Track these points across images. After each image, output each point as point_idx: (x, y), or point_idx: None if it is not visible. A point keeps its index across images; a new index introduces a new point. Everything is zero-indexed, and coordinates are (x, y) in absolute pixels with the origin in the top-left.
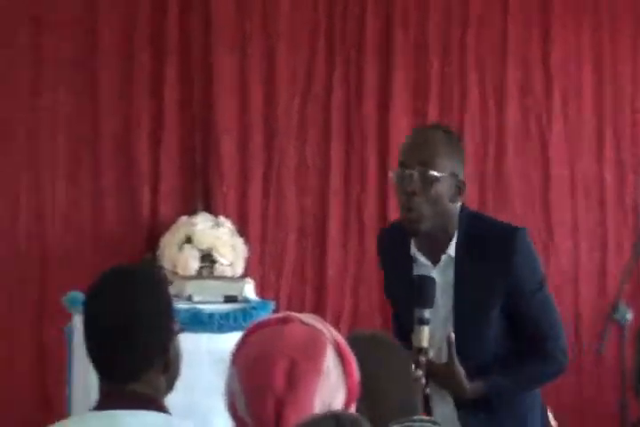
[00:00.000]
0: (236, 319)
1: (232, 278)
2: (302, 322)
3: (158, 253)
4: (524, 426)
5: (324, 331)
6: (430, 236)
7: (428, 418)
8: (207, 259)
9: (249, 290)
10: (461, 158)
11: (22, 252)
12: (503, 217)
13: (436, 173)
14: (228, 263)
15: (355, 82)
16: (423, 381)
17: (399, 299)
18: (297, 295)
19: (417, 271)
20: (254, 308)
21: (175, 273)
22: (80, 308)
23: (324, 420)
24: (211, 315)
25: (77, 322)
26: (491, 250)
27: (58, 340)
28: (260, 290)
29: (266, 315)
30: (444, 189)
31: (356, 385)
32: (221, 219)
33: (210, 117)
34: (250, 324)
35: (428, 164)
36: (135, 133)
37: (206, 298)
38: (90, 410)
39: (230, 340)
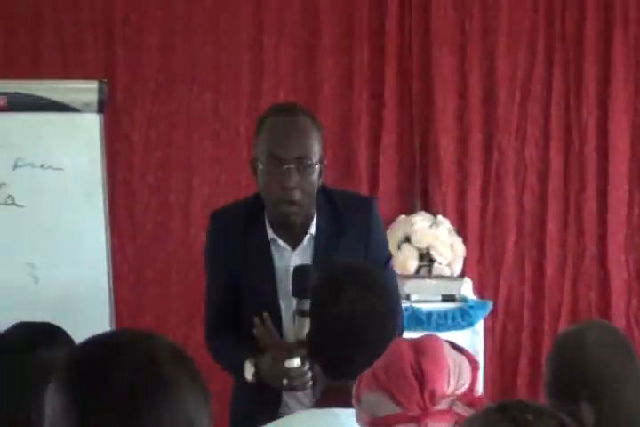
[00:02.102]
0: (453, 318)
1: (450, 278)
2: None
3: None
4: None
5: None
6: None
7: None
8: (425, 258)
9: (467, 289)
10: (322, 140)
11: None
12: None
13: (315, 167)
14: (447, 263)
15: (574, 81)
16: (309, 375)
17: (253, 286)
18: (515, 295)
19: (277, 256)
20: (472, 307)
21: None
22: None
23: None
24: (429, 314)
25: None
26: (348, 220)
27: None
28: (479, 289)
29: (484, 314)
30: (316, 177)
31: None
32: (440, 218)
33: (429, 116)
34: (467, 323)
35: (305, 157)
36: (354, 132)
37: (424, 297)
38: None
39: (448, 339)
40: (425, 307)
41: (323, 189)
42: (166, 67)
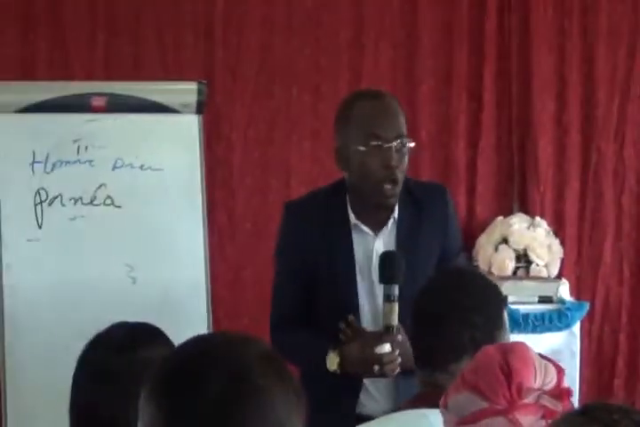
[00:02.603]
0: (551, 320)
1: (547, 279)
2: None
3: (474, 252)
4: None
5: None
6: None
7: None
8: (523, 259)
9: (564, 291)
10: None
11: None
12: None
13: (410, 144)
14: (544, 264)
15: None
16: (399, 359)
17: (334, 272)
18: (613, 296)
19: (358, 241)
20: (569, 309)
21: (491, 273)
22: None
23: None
24: (525, 315)
25: None
26: (426, 207)
27: None
28: (576, 291)
29: (581, 316)
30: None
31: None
32: (537, 219)
33: (527, 118)
34: (564, 325)
35: (403, 136)
36: (453, 133)
37: (521, 298)
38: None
39: (545, 341)
40: (522, 308)
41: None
42: (265, 67)
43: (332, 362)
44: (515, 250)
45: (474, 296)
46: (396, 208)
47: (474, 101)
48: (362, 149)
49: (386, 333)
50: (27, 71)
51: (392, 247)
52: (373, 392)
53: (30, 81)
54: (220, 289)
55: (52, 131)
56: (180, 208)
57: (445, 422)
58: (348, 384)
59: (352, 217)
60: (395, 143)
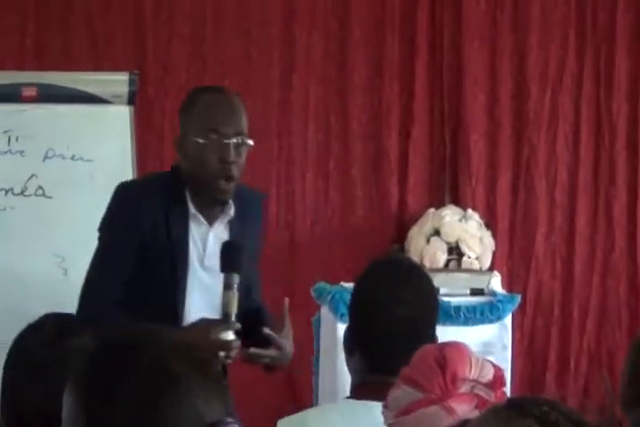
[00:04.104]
0: (482, 312)
1: (479, 271)
2: None
3: (406, 244)
4: None
5: None
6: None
7: None
8: (455, 251)
9: (496, 283)
10: None
11: (272, 242)
12: None
13: (249, 142)
14: (476, 256)
15: (605, 75)
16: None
17: (167, 261)
18: (545, 289)
19: (195, 231)
20: (501, 301)
21: (422, 265)
22: (327, 298)
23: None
24: (457, 308)
25: (325, 313)
26: (249, 208)
27: (305, 330)
28: (508, 284)
29: (513, 308)
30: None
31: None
32: (469, 212)
33: (459, 110)
34: (496, 317)
35: (243, 133)
36: (385, 126)
37: (453, 291)
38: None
39: (476, 333)
40: (453, 301)
41: None
42: (196, 58)
43: None
44: (447, 242)
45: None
46: (232, 204)
47: (405, 93)
48: (200, 141)
49: (225, 320)
50: None
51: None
52: None
53: None
54: None
55: None
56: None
57: (385, 419)
58: None
59: (191, 206)
60: (234, 140)
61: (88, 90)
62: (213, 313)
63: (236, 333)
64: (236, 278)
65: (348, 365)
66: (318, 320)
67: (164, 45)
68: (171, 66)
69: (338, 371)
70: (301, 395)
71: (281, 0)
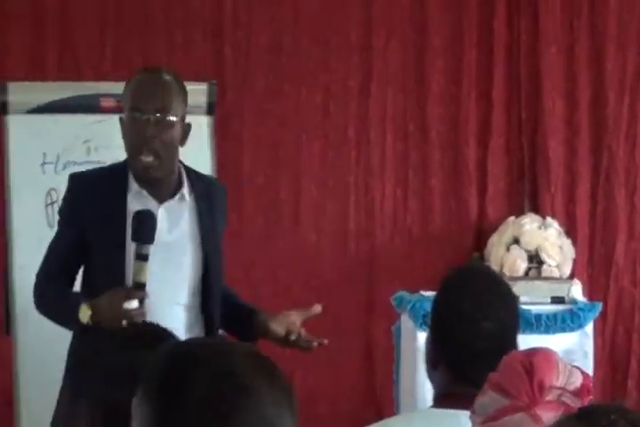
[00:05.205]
0: (563, 320)
1: (559, 279)
2: None
3: (486, 253)
4: None
5: None
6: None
7: None
8: (534, 260)
9: (576, 291)
10: (186, 101)
11: (352, 251)
12: None
13: (174, 121)
14: (556, 264)
15: None
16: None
17: (105, 238)
18: (626, 296)
19: (136, 205)
20: (582, 309)
21: (502, 274)
22: (407, 307)
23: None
24: (538, 316)
25: (405, 322)
26: (216, 194)
27: (386, 339)
28: (588, 291)
29: (594, 316)
30: (177, 133)
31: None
32: (549, 220)
33: (537, 117)
34: (577, 325)
35: (164, 110)
36: (463, 135)
37: (533, 299)
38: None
39: (557, 341)
40: (534, 309)
41: (187, 167)
42: (275, 67)
43: (85, 314)
44: (526, 250)
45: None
46: (185, 186)
47: (483, 101)
48: (124, 119)
49: (135, 289)
50: (37, 72)
51: (189, 221)
52: None
53: (40, 82)
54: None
55: (62, 131)
56: None
57: (473, 424)
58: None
59: (135, 186)
60: (152, 116)
61: None
62: (179, 286)
63: (141, 301)
64: (147, 249)
65: (430, 378)
66: (398, 329)
67: (243, 55)
68: (249, 75)
69: (418, 379)
70: (382, 403)
71: (359, 9)
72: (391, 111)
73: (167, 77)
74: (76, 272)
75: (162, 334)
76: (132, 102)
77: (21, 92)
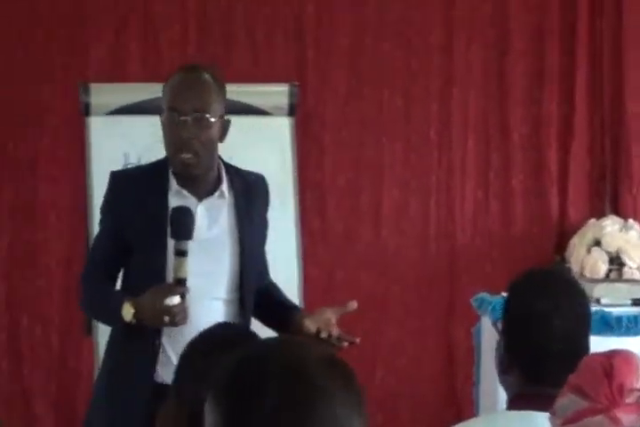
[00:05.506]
0: None
1: None
2: None
3: (567, 255)
4: None
5: None
6: (199, 174)
7: None
8: (615, 261)
9: None
10: (225, 99)
11: (433, 253)
12: None
13: (212, 120)
14: (636, 266)
15: None
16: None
17: (146, 235)
18: None
19: (175, 202)
20: None
21: (583, 276)
22: (488, 309)
23: None
24: (619, 318)
25: (485, 323)
26: (256, 192)
27: (466, 341)
28: None
29: None
30: (215, 131)
31: None
32: (630, 222)
33: (620, 119)
34: None
35: (202, 110)
36: (544, 136)
37: (614, 301)
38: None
39: (637, 343)
40: (615, 311)
41: (226, 163)
42: (356, 69)
43: (128, 312)
44: (607, 252)
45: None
46: (224, 183)
47: (565, 103)
48: (163, 120)
49: (176, 285)
50: (119, 73)
51: (228, 217)
52: (172, 357)
53: (122, 83)
54: (313, 292)
55: (144, 133)
56: (272, 211)
57: (552, 426)
58: (146, 349)
59: (174, 183)
60: (190, 117)
61: (248, 101)
62: (219, 282)
63: (182, 296)
64: (186, 245)
65: (502, 382)
66: (479, 330)
67: (324, 57)
68: (330, 77)
69: (499, 381)
70: (462, 405)
71: (440, 11)
72: (472, 113)
73: (205, 76)
74: (119, 271)
75: (249, 337)
76: (170, 102)
77: (103, 94)
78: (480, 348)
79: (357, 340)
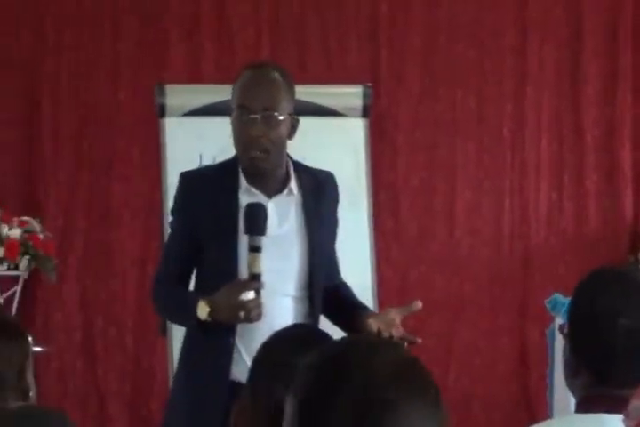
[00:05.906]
0: None
1: None
2: None
3: None
4: None
5: None
6: (268, 171)
7: None
8: None
9: None
10: (294, 96)
11: (506, 253)
12: None
13: (281, 118)
14: None
15: None
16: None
17: (217, 234)
18: None
19: (245, 200)
20: None
21: None
22: (562, 310)
23: None
24: None
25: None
26: (326, 190)
27: (540, 342)
28: None
29: None
30: (284, 129)
31: None
32: None
33: None
34: None
35: (271, 108)
36: (618, 137)
37: None
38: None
39: None
40: None
41: (295, 161)
42: (430, 70)
43: (203, 311)
44: None
45: None
46: (293, 181)
47: (639, 103)
48: (234, 118)
49: (251, 281)
50: (194, 75)
51: (296, 215)
52: (245, 356)
53: (197, 84)
54: (387, 293)
55: (218, 134)
56: (345, 211)
57: None
58: (221, 348)
59: (243, 181)
60: (259, 115)
61: (323, 103)
62: (289, 279)
63: (257, 292)
64: (259, 240)
65: (570, 386)
66: (553, 332)
67: (398, 58)
68: (404, 78)
69: (566, 384)
70: (536, 407)
71: (514, 12)
72: (546, 113)
73: (274, 74)
74: (192, 271)
75: (324, 338)
76: (239, 101)
77: (178, 95)
78: (554, 350)
79: (419, 340)
